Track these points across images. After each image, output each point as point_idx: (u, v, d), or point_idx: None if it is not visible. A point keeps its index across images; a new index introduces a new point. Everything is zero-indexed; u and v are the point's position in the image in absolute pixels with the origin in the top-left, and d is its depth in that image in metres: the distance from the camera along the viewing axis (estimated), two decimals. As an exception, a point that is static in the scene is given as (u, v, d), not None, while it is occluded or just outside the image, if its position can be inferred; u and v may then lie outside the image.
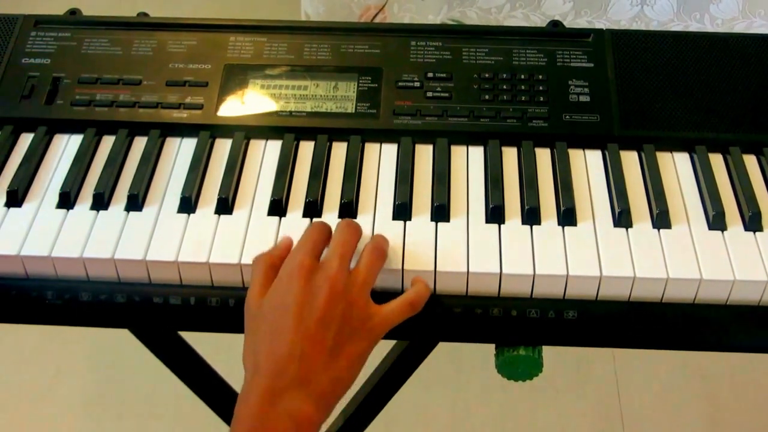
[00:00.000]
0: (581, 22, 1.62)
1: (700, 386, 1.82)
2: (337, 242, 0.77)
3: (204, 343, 1.11)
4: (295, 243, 0.79)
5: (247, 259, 0.81)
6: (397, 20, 1.68)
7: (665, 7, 1.59)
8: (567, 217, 0.84)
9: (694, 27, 1.60)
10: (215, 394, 1.19)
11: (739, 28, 1.59)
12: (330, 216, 0.85)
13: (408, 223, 0.84)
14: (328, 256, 0.76)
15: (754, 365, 1.84)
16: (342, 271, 0.75)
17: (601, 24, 1.62)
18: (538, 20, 1.63)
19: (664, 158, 0.90)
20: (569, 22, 1.60)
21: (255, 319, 0.74)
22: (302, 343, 0.71)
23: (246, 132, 0.92)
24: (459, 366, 1.84)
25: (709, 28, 1.60)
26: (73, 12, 1.02)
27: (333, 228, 0.80)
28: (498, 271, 0.80)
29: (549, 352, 0.85)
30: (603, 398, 1.80)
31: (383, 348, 1.04)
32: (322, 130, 0.92)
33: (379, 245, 0.79)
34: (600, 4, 1.59)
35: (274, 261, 0.77)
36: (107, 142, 0.92)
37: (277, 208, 0.86)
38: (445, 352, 1.79)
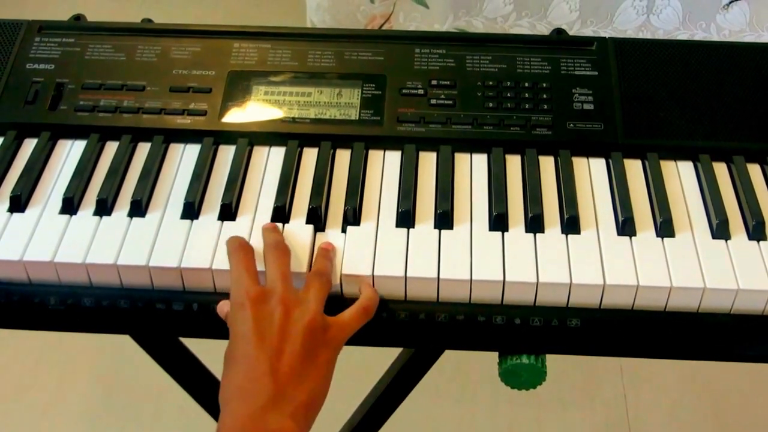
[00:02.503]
0: (587, 32, 1.61)
1: (709, 401, 1.80)
2: (274, 265, 0.79)
3: (206, 350, 1.11)
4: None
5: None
6: (403, 29, 1.68)
7: (671, 17, 1.59)
8: (570, 225, 0.84)
9: (699, 36, 1.60)
10: (216, 401, 1.18)
11: (747, 41, 1.58)
12: (333, 223, 0.85)
13: (411, 230, 0.84)
14: (271, 279, 0.77)
15: (762, 381, 1.83)
16: (288, 290, 0.76)
17: (606, 33, 1.61)
18: (544, 29, 1.62)
19: (667, 167, 0.90)
20: (575, 31, 1.59)
21: (227, 362, 0.75)
22: (269, 361, 0.72)
23: (249, 138, 0.92)
24: (465, 378, 1.83)
25: (716, 38, 1.59)
26: (78, 18, 1.02)
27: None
28: (501, 279, 0.80)
29: (556, 365, 0.85)
30: (611, 413, 1.79)
31: (388, 357, 1.04)
32: (326, 137, 0.92)
33: (323, 268, 0.80)
34: (606, 13, 1.59)
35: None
36: (111, 148, 0.92)
37: (281, 214, 0.85)
38: (450, 365, 1.79)
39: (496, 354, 0.86)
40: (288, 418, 0.70)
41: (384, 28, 1.68)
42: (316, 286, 0.78)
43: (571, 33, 1.00)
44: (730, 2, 1.54)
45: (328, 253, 0.82)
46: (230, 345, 0.75)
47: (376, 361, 1.11)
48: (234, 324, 0.75)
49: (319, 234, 0.85)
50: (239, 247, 0.80)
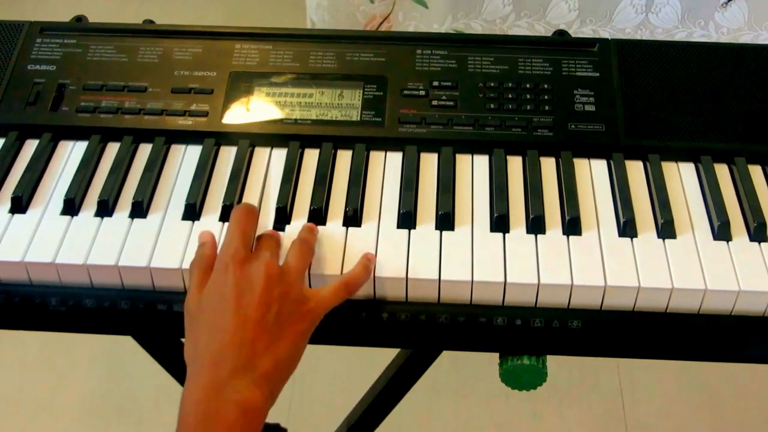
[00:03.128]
0: (586, 30, 1.61)
1: (703, 396, 1.81)
2: (263, 238, 0.80)
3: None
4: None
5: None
6: (402, 29, 1.67)
7: (670, 15, 1.59)
8: (572, 226, 0.84)
9: (698, 34, 1.60)
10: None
11: (745, 40, 1.59)
12: (334, 224, 0.85)
13: (412, 231, 0.84)
14: (258, 248, 0.78)
15: (757, 375, 1.83)
16: (275, 258, 0.77)
17: (605, 32, 1.61)
18: (543, 29, 1.62)
19: (669, 168, 0.90)
20: (574, 31, 1.59)
21: (194, 316, 0.75)
22: (242, 328, 0.71)
23: (251, 139, 0.92)
24: (462, 374, 1.84)
25: (714, 36, 1.59)
26: (79, 19, 1.02)
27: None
28: (502, 280, 0.80)
29: (552, 362, 0.85)
30: (607, 408, 1.79)
31: (387, 355, 1.04)
32: (327, 138, 0.92)
33: (307, 240, 0.81)
34: (605, 12, 1.59)
35: (209, 262, 0.78)
36: (112, 149, 0.92)
37: (282, 216, 0.85)
38: (448, 361, 1.79)
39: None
40: (255, 387, 0.70)
41: (383, 27, 1.68)
42: (296, 254, 0.78)
43: (570, 32, 1.00)
44: (729, 0, 1.54)
45: (312, 228, 0.83)
46: (204, 298, 0.75)
47: (374, 358, 1.11)
48: (216, 279, 0.75)
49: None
50: (244, 211, 0.80)
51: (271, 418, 1.37)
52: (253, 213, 0.81)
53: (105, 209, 0.86)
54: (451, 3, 1.61)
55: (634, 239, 0.83)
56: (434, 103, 0.93)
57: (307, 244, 0.80)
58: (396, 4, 1.65)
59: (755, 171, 0.90)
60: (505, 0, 1.59)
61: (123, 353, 1.86)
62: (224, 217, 0.86)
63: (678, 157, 0.91)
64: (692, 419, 1.78)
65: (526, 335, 0.81)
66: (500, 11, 1.61)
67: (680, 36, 1.60)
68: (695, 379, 1.83)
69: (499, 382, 0.87)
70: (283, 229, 0.85)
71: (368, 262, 0.81)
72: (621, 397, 1.80)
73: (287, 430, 1.34)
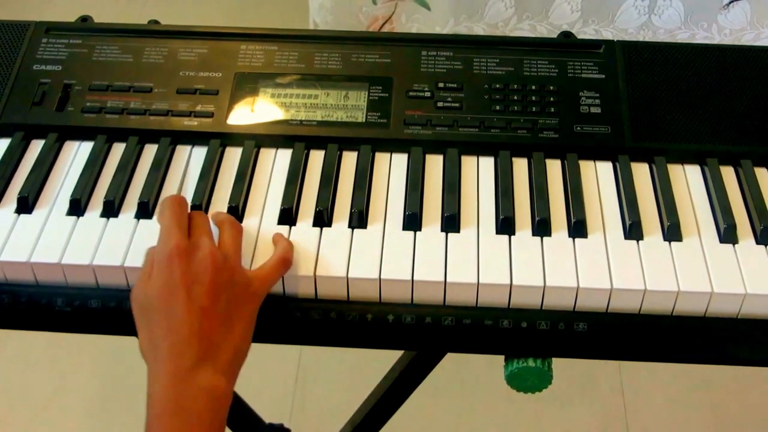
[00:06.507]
0: (588, 31, 1.62)
1: (705, 398, 1.81)
2: (198, 223, 0.81)
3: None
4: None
5: (255, 267, 0.81)
6: (405, 31, 1.68)
7: (673, 16, 1.59)
8: (577, 228, 0.84)
9: (701, 36, 1.60)
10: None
11: (747, 38, 1.59)
12: (340, 226, 0.85)
13: (418, 233, 0.84)
14: (196, 235, 0.79)
15: (760, 378, 1.83)
16: (215, 246, 0.77)
17: (608, 32, 1.61)
18: (545, 31, 1.63)
19: (675, 170, 0.90)
20: (576, 32, 1.60)
21: (144, 308, 0.75)
22: (198, 318, 0.73)
23: (256, 140, 0.92)
24: (465, 376, 1.84)
25: (717, 37, 1.60)
26: (85, 19, 1.02)
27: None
28: (508, 282, 0.80)
29: (555, 363, 0.85)
30: (609, 409, 1.79)
31: (391, 357, 1.04)
32: (333, 140, 0.92)
33: (230, 219, 0.83)
34: (608, 12, 1.59)
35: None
36: (118, 150, 0.92)
37: (287, 216, 0.85)
38: (451, 362, 1.79)
39: (496, 352, 0.86)
40: (218, 374, 0.72)
41: (386, 29, 1.68)
42: (230, 235, 0.80)
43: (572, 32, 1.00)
44: (731, 1, 1.54)
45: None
46: (152, 291, 0.75)
47: (378, 359, 1.11)
48: (160, 271, 0.75)
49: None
50: (176, 201, 0.81)
51: (275, 417, 1.37)
52: (184, 202, 0.82)
53: (111, 210, 0.86)
54: (454, 5, 1.61)
55: (640, 242, 0.83)
56: (440, 104, 0.93)
57: (233, 221, 0.82)
58: (398, 5, 1.65)
59: (761, 173, 0.90)
60: (507, 3, 1.59)
61: (128, 354, 1.86)
62: (230, 218, 0.85)
63: (684, 159, 0.91)
64: (694, 421, 1.78)
65: (532, 338, 0.81)
66: (502, 14, 1.61)
67: (683, 37, 1.60)
68: (697, 381, 1.83)
69: (501, 384, 0.87)
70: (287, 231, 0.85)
71: (281, 236, 0.83)
72: (623, 398, 1.81)
73: (291, 430, 1.34)
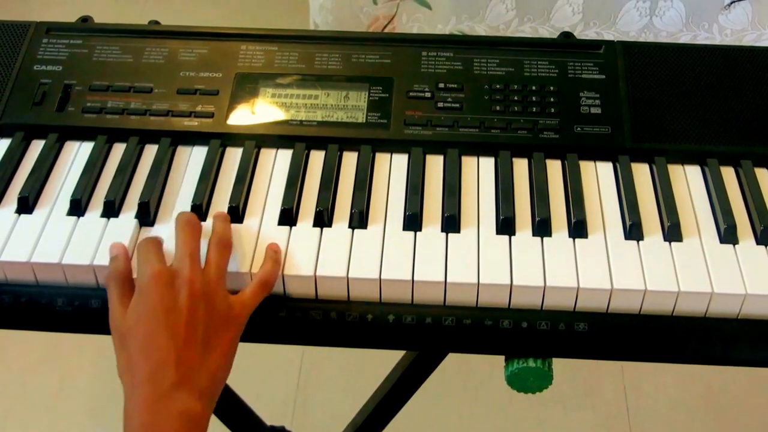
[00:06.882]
0: (589, 33, 1.62)
1: (709, 398, 1.81)
2: (182, 242, 0.79)
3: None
4: (128, 248, 0.82)
5: (255, 268, 0.81)
6: (406, 31, 1.68)
7: (674, 18, 1.59)
8: (578, 229, 0.84)
9: (702, 37, 1.60)
10: (221, 402, 1.18)
11: (749, 39, 1.59)
12: (341, 226, 0.85)
13: (418, 233, 0.84)
14: (178, 258, 0.78)
15: (762, 379, 1.83)
16: (195, 270, 0.77)
17: (609, 35, 1.61)
18: (546, 33, 1.63)
19: (675, 171, 0.90)
20: (578, 33, 1.60)
21: (123, 335, 0.76)
22: (175, 346, 0.73)
23: (257, 141, 0.92)
24: (466, 378, 1.84)
25: (718, 38, 1.59)
26: (85, 19, 1.02)
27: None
28: (508, 282, 0.80)
29: (557, 365, 0.85)
30: (611, 412, 1.79)
31: (392, 358, 1.04)
32: (333, 140, 0.92)
33: (222, 237, 0.81)
34: (609, 15, 1.59)
35: (125, 275, 0.80)
36: (118, 150, 0.92)
37: (288, 217, 0.85)
38: (453, 364, 1.79)
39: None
40: (195, 399, 0.72)
41: (387, 29, 1.68)
42: (216, 255, 0.79)
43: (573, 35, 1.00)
44: (732, 2, 1.54)
45: (226, 218, 0.84)
46: (131, 317, 0.75)
47: (379, 360, 1.11)
48: (140, 299, 0.76)
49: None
50: (185, 225, 0.81)
51: (276, 420, 1.37)
52: (194, 222, 0.81)
53: (111, 210, 0.86)
54: (455, 5, 1.61)
55: (641, 242, 0.83)
56: (440, 105, 0.93)
57: (224, 240, 0.81)
58: (399, 5, 1.65)
59: (762, 174, 0.90)
60: (508, 5, 1.59)
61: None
62: (230, 218, 0.85)
63: (684, 159, 0.91)
64: (696, 423, 1.78)
65: (532, 338, 0.81)
66: (503, 16, 1.61)
67: (684, 39, 1.60)
68: (700, 383, 1.83)
69: (502, 386, 0.87)
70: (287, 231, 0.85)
71: (275, 254, 0.82)
72: (625, 400, 1.80)
73: (291, 432, 1.34)
